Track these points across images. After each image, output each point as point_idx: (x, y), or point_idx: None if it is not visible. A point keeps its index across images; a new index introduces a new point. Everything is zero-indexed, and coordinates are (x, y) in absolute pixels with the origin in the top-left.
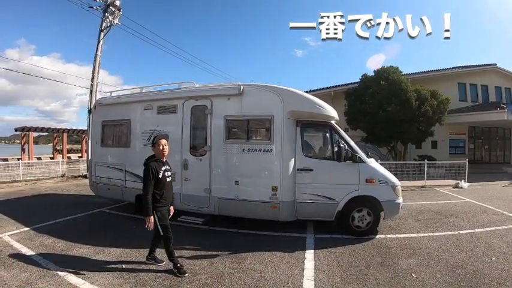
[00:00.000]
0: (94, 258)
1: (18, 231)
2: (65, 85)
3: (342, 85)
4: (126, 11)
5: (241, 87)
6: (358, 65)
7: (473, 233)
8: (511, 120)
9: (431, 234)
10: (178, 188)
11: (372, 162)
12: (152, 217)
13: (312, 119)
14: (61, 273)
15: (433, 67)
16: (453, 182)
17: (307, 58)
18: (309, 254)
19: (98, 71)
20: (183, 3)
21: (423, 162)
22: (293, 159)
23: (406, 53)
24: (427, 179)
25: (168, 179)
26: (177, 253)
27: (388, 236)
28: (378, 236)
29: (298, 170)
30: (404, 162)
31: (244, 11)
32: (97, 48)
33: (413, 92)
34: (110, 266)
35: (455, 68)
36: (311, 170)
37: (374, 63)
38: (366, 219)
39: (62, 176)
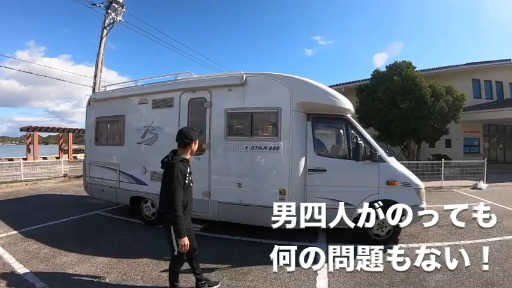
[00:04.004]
0: (76, 268)
1: (5, 234)
2: (75, 86)
3: (353, 82)
4: (131, 9)
5: (244, 76)
6: (367, 63)
7: (502, 241)
8: None
9: (457, 243)
10: None
11: (393, 162)
12: (184, 239)
13: (325, 112)
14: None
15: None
16: (470, 182)
17: (317, 57)
18: (321, 269)
19: (101, 69)
20: (188, 5)
21: (439, 161)
22: (303, 158)
23: (413, 52)
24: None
25: (192, 184)
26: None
27: (410, 245)
28: (398, 245)
29: (309, 170)
30: (418, 161)
31: (254, 11)
32: (100, 45)
33: (428, 88)
34: (91, 279)
35: (468, 64)
36: (324, 170)
37: (379, 60)
38: (386, 226)
39: (64, 176)
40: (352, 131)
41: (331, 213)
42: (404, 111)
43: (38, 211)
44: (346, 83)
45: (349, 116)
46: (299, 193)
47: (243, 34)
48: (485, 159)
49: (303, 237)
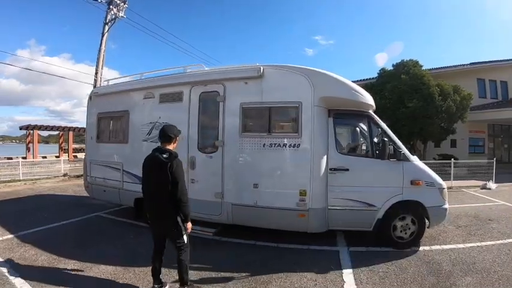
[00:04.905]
0: (78, 279)
1: (0, 239)
2: (75, 85)
3: (359, 80)
4: (133, 5)
5: (261, 68)
6: (368, 62)
7: None
8: None
9: (479, 244)
10: None
11: (417, 160)
12: (189, 224)
13: (347, 107)
14: None
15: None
16: (478, 182)
17: (318, 57)
18: (348, 276)
19: (103, 66)
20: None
21: (448, 161)
22: (325, 157)
23: (413, 51)
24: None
25: None
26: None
27: (433, 247)
28: (421, 248)
29: (331, 169)
30: (426, 161)
31: (254, 10)
32: (101, 41)
33: (436, 87)
34: None
35: (473, 63)
36: (346, 169)
37: (381, 60)
38: (409, 228)
39: (64, 175)
40: (375, 128)
41: (354, 215)
42: (412, 110)
43: (36, 212)
44: (352, 82)
45: (371, 112)
46: (321, 194)
47: (243, 34)
48: (495, 159)
49: (320, 240)
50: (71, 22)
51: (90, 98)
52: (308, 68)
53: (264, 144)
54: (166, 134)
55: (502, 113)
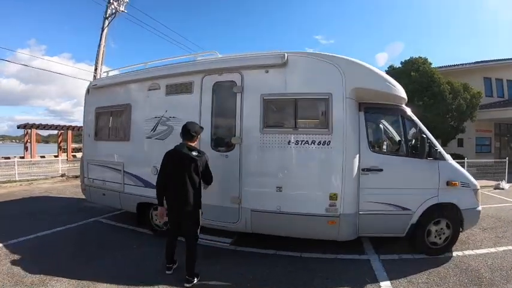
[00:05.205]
0: None
1: None
2: (75, 85)
3: None
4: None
5: (285, 55)
6: (369, 62)
7: None
8: None
9: (510, 247)
10: None
11: (451, 159)
12: None
13: (379, 101)
14: None
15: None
16: (489, 182)
17: None
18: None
19: (102, 62)
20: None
21: (462, 161)
22: (358, 156)
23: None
24: None
25: None
26: None
27: (466, 252)
28: (454, 254)
29: (363, 170)
30: None
31: (253, 10)
32: (101, 37)
33: (447, 85)
34: None
35: (478, 62)
36: (380, 170)
37: (382, 60)
38: (444, 233)
39: (62, 175)
40: (408, 124)
41: (387, 221)
42: (422, 108)
43: (29, 217)
44: None
45: (404, 106)
46: (353, 198)
47: (243, 33)
48: (507, 158)
49: (346, 247)
50: (71, 20)
51: (88, 91)
52: (338, 55)
53: (290, 142)
54: (189, 132)
55: (508, 112)
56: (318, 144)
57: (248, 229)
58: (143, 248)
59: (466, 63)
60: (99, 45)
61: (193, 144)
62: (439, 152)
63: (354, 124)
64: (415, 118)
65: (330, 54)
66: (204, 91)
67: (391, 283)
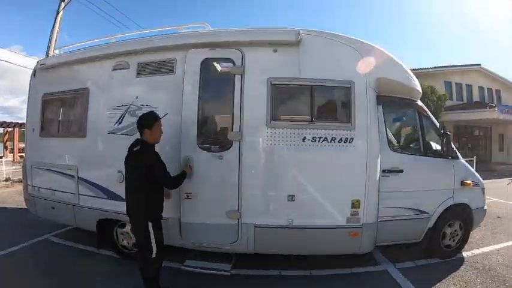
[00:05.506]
0: None
1: None
2: (26, 79)
3: None
4: None
5: (300, 32)
6: None
7: None
8: (498, 119)
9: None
10: (173, 212)
11: (462, 159)
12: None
13: (398, 94)
14: None
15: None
16: None
17: None
18: None
19: (54, 49)
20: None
21: None
22: (379, 156)
23: None
24: None
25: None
26: None
27: (474, 252)
28: (464, 254)
29: (383, 171)
30: None
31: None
32: (55, 20)
33: None
34: None
35: (437, 67)
36: (401, 171)
37: None
38: (457, 234)
39: (6, 180)
40: (425, 120)
41: (406, 226)
42: None
43: None
44: None
45: (419, 101)
46: (375, 204)
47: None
48: (475, 157)
49: (357, 260)
50: (24, 10)
51: (34, 73)
52: (361, 40)
53: (305, 138)
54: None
55: (467, 114)
56: (338, 141)
57: (250, 249)
58: (110, 282)
59: (429, 68)
60: (52, 30)
61: (147, 139)
62: (455, 151)
63: (376, 119)
64: (430, 114)
65: (351, 37)
66: (189, 70)
67: None
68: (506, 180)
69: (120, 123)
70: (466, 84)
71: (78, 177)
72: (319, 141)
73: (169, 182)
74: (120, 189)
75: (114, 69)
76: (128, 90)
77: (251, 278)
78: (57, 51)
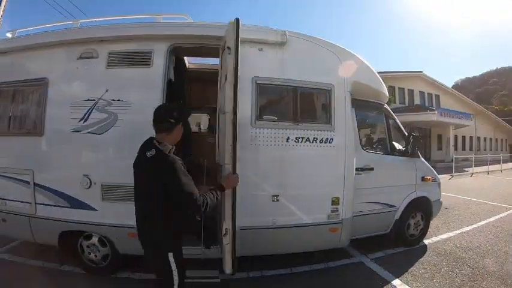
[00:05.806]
0: None
1: None
2: None
3: None
4: None
5: (286, 33)
6: None
7: (488, 223)
8: (438, 121)
9: (463, 230)
10: None
11: (421, 157)
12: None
13: (368, 97)
14: None
15: None
16: None
17: None
18: None
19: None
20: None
21: None
22: (355, 155)
23: None
24: None
25: None
26: None
27: (433, 239)
28: (426, 242)
29: (357, 169)
30: None
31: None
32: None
33: None
34: None
35: (383, 72)
36: (372, 169)
37: None
38: (420, 224)
39: None
40: (391, 122)
41: (376, 219)
42: None
43: None
44: None
45: (386, 104)
46: (352, 200)
47: None
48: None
49: (331, 254)
50: None
51: None
52: (339, 46)
53: (288, 138)
54: (154, 118)
55: (410, 116)
56: (320, 141)
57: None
58: None
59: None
60: None
61: (166, 140)
62: (416, 150)
63: (352, 120)
64: (395, 117)
65: (332, 42)
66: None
67: (400, 280)
68: (446, 176)
69: (86, 120)
70: (408, 89)
71: (34, 183)
72: (302, 142)
73: (191, 205)
74: (86, 196)
75: (81, 58)
76: (97, 83)
77: (234, 281)
78: (9, 35)
